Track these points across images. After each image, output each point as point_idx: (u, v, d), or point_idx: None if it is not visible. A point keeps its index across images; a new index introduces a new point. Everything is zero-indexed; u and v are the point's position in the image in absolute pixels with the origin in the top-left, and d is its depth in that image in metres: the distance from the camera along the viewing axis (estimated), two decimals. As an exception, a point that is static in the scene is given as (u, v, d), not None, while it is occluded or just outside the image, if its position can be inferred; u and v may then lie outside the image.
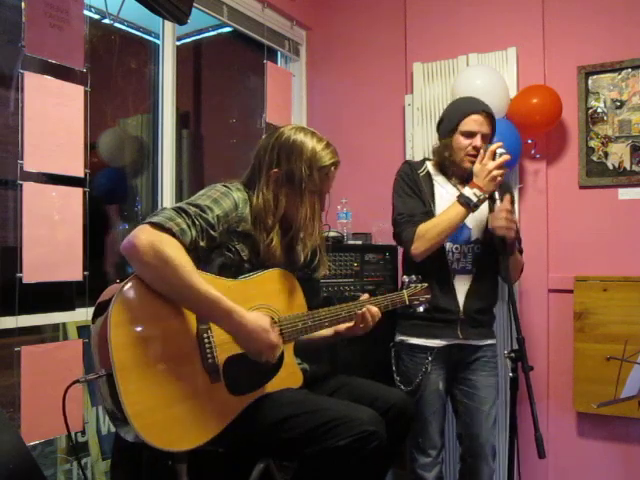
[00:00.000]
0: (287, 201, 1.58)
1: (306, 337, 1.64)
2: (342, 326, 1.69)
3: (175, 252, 1.34)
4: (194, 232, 1.40)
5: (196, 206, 1.44)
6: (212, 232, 1.45)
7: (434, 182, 2.09)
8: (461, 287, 2.05)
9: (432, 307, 2.02)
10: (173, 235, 1.36)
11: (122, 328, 1.28)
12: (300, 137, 1.59)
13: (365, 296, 1.75)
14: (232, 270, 1.53)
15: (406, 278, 1.90)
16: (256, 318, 1.43)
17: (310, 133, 1.62)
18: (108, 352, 1.25)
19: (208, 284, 1.36)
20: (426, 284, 1.91)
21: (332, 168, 1.61)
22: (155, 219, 1.37)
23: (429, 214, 2.01)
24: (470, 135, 1.99)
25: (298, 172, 1.56)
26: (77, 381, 1.34)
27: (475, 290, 2.05)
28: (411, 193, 2.07)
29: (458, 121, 2.01)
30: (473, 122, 1.98)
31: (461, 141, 2.00)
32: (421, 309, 1.88)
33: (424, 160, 2.18)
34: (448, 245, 2.04)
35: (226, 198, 1.52)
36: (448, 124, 2.05)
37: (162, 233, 1.35)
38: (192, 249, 1.40)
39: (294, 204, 1.58)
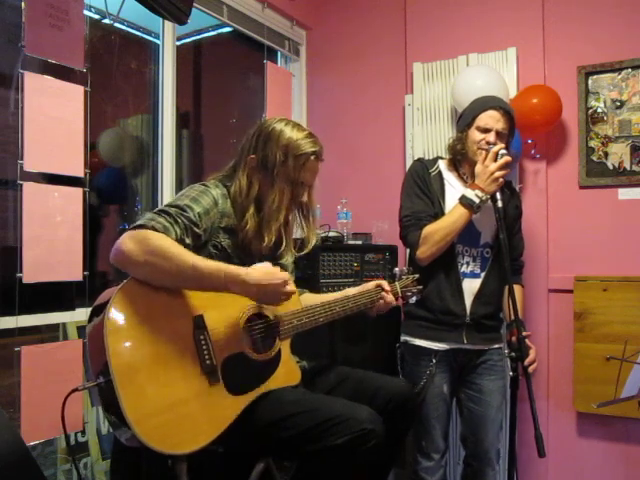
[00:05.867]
0: (260, 186, 1.59)
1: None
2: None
3: (162, 241, 1.35)
4: (178, 230, 1.42)
5: (175, 206, 1.46)
6: (196, 229, 1.47)
7: (445, 182, 2.06)
8: (469, 291, 2.02)
9: (438, 309, 2.01)
10: (156, 231, 1.37)
11: (118, 335, 1.28)
12: (280, 126, 1.60)
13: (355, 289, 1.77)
14: None
15: (397, 270, 1.87)
16: (260, 267, 1.42)
17: (293, 124, 1.63)
18: (106, 359, 1.25)
19: (203, 259, 1.37)
20: (417, 275, 1.88)
21: (311, 157, 1.59)
22: (136, 224, 1.39)
23: (438, 215, 1.99)
24: (485, 130, 1.97)
25: (272, 158, 1.57)
26: (76, 389, 1.34)
27: (483, 295, 2.03)
28: (420, 193, 2.04)
29: (474, 116, 2.00)
30: (489, 117, 1.96)
31: (475, 135, 1.98)
32: (413, 300, 1.86)
33: (437, 158, 2.15)
34: (458, 248, 2.02)
35: (205, 196, 1.53)
36: (465, 118, 2.04)
37: (145, 230, 1.36)
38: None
39: (266, 190, 1.59)
